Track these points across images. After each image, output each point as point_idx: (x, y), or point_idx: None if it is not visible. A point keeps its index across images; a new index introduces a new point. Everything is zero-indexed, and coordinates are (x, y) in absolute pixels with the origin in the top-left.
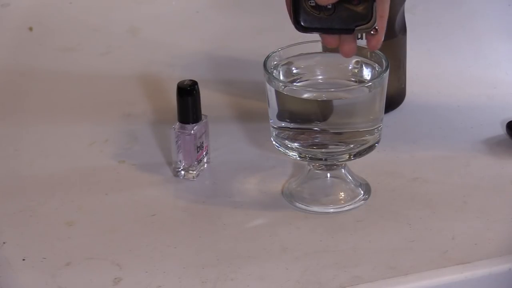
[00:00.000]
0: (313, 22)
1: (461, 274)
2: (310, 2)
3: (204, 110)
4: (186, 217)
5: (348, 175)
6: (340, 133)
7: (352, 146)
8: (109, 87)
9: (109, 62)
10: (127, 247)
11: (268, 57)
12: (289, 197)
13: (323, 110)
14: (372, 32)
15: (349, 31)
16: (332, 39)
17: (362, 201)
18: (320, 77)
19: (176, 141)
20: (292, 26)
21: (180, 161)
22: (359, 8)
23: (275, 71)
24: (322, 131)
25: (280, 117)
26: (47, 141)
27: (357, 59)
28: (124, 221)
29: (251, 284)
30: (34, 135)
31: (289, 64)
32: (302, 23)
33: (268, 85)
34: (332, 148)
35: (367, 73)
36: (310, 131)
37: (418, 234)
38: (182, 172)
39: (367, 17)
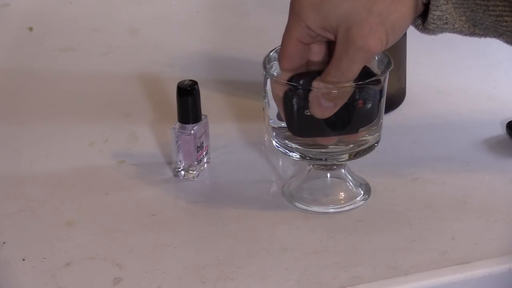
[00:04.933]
0: (311, 128)
1: (461, 274)
2: (306, 112)
3: (204, 110)
4: (186, 217)
5: (348, 175)
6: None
7: (352, 146)
8: (109, 87)
9: (109, 62)
10: (127, 247)
11: (267, 57)
12: (289, 197)
13: None
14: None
15: (352, 132)
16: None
17: (362, 201)
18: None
19: (176, 141)
20: None
21: (180, 161)
22: (365, 109)
23: (274, 69)
24: None
25: (280, 117)
26: (47, 141)
27: None
28: (124, 221)
29: (251, 284)
30: (34, 135)
31: None
32: (298, 131)
33: (268, 85)
34: (332, 148)
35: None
36: None
37: (418, 234)
38: (182, 172)
39: (373, 117)
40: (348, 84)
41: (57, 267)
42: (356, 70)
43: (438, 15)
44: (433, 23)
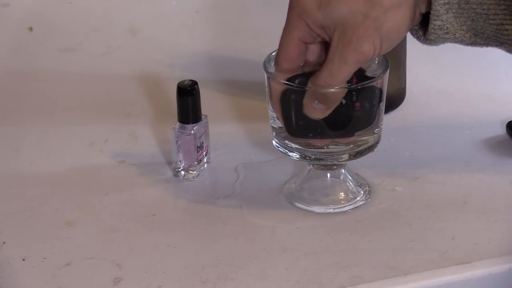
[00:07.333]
0: (308, 129)
1: (461, 274)
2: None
3: (204, 110)
4: (186, 217)
5: (348, 175)
6: None
7: (352, 146)
8: (109, 87)
9: (109, 62)
10: (127, 247)
11: (268, 57)
12: (289, 197)
13: None
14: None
15: (349, 135)
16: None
17: (362, 201)
18: None
19: (176, 141)
20: None
21: (180, 161)
22: (361, 113)
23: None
24: None
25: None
26: (47, 141)
27: None
28: (124, 221)
29: (251, 284)
30: (34, 135)
31: None
32: (294, 132)
33: (268, 85)
34: (332, 148)
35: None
36: None
37: (418, 234)
38: (182, 172)
39: (370, 120)
40: (335, 88)
41: (57, 267)
42: (347, 72)
43: (439, 25)
44: (434, 33)
